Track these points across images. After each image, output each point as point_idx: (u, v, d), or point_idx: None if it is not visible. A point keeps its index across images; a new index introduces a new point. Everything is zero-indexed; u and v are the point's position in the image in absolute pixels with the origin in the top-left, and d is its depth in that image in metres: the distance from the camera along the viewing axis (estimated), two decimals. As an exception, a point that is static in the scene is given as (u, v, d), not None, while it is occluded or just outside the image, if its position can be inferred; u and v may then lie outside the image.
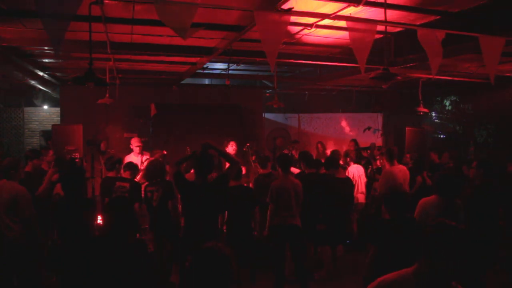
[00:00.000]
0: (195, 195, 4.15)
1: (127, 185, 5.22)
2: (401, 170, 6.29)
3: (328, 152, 8.05)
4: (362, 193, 6.75)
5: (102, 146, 7.43)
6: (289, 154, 6.90)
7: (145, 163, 6.82)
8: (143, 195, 5.34)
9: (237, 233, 5.33)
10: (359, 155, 7.82)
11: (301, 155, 6.13)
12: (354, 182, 6.50)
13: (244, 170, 6.46)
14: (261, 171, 6.01)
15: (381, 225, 3.83)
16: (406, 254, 3.29)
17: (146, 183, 5.42)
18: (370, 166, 7.34)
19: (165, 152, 6.70)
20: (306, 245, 5.51)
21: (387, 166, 6.41)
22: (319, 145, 9.33)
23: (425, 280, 1.93)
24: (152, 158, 6.67)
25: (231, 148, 6.89)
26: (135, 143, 7.07)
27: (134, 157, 6.91)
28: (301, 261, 5.04)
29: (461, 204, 4.11)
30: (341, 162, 6.75)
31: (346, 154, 7.08)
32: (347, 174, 6.63)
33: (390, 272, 2.08)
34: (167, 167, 5.76)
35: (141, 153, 7.01)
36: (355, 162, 7.18)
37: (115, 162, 5.49)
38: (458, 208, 4.05)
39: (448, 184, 4.03)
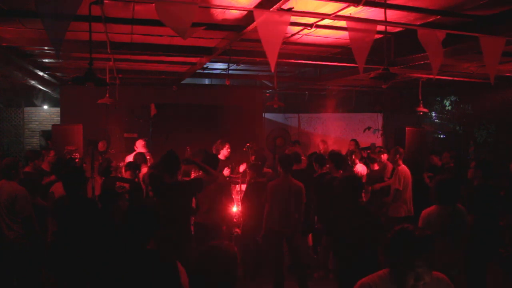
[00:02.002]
0: (164, 192, 4.25)
1: (127, 185, 5.21)
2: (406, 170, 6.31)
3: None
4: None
5: (100, 146, 7.41)
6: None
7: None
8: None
9: (252, 230, 5.31)
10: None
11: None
12: None
13: (243, 168, 6.50)
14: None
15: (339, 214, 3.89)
16: (362, 241, 3.60)
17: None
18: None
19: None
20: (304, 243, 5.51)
21: (390, 166, 6.41)
22: (320, 143, 9.27)
23: (401, 278, 1.98)
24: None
25: (226, 151, 6.84)
26: (141, 147, 7.03)
27: None
28: (298, 258, 5.01)
29: (465, 210, 3.87)
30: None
31: (352, 153, 7.07)
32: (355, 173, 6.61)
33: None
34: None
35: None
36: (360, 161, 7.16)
37: (107, 166, 5.47)
38: (462, 214, 3.80)
39: (446, 190, 3.76)
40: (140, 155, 6.40)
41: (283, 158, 5.15)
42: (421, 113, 7.81)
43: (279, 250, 4.97)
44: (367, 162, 7.35)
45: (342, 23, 4.51)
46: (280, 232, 4.88)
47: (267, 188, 4.96)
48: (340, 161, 5.73)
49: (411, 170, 6.43)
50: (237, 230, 6.07)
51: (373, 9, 4.17)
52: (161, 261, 2.38)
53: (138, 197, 5.27)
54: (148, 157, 6.94)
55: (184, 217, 4.33)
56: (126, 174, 5.48)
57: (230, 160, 6.74)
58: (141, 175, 5.83)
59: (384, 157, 7.23)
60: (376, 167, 6.97)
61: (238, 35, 4.88)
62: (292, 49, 6.11)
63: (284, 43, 5.31)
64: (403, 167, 6.29)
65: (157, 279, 2.29)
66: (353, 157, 6.96)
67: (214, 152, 6.67)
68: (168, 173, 4.28)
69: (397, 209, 6.17)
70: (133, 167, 5.56)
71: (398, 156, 6.35)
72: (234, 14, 4.46)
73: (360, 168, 6.73)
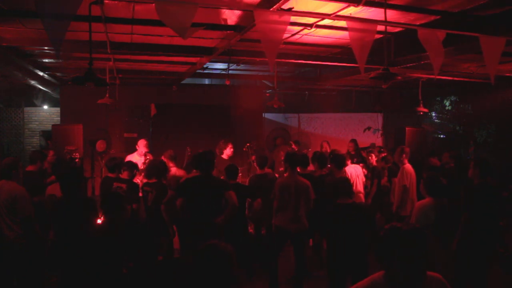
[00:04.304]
0: (197, 185, 4.47)
1: (124, 186, 5.20)
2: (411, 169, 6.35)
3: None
4: (359, 192, 6.72)
5: (98, 145, 7.39)
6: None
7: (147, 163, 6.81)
8: (140, 194, 5.36)
9: (232, 231, 5.32)
10: (359, 155, 7.81)
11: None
12: (352, 182, 6.47)
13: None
14: (258, 171, 5.99)
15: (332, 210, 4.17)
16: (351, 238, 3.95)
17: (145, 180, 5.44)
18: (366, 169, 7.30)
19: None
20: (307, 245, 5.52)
21: (400, 165, 6.49)
22: (324, 144, 9.25)
23: (396, 281, 1.95)
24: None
25: (229, 151, 6.81)
26: (142, 147, 6.97)
27: (137, 157, 6.84)
28: (302, 260, 5.00)
29: (447, 202, 4.26)
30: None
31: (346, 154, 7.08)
32: (344, 174, 6.60)
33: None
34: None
35: (145, 154, 6.96)
36: (355, 162, 7.16)
37: (117, 165, 5.44)
38: (447, 206, 4.21)
39: (438, 184, 4.21)
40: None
41: (290, 155, 5.20)
42: (421, 113, 7.82)
43: (279, 249, 4.97)
44: (364, 160, 7.36)
45: (342, 23, 4.51)
46: (286, 229, 4.89)
47: (275, 185, 5.01)
48: (342, 161, 5.77)
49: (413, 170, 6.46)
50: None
51: (373, 9, 4.17)
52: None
53: (135, 197, 5.26)
54: (149, 157, 6.93)
55: (216, 206, 4.46)
56: (123, 175, 5.45)
57: (232, 160, 6.74)
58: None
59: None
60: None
61: (238, 35, 4.88)
62: (292, 49, 6.10)
63: (284, 43, 5.31)
64: (408, 166, 6.33)
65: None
66: None
67: (217, 152, 6.68)
68: (200, 170, 4.56)
69: (403, 207, 6.16)
70: (131, 167, 5.53)
71: (404, 155, 6.39)
72: (234, 14, 4.46)
73: (352, 169, 6.73)
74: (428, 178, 4.43)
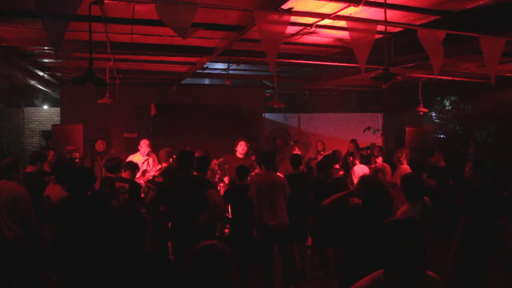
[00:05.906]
0: (177, 185, 4.50)
1: (126, 185, 5.19)
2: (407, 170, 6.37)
3: (329, 152, 8.01)
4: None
5: (97, 145, 7.38)
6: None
7: (150, 162, 6.81)
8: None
9: (239, 231, 5.32)
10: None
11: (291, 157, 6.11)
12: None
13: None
14: (257, 170, 5.98)
15: (352, 212, 3.84)
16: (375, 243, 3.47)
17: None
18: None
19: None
20: (296, 248, 5.48)
21: (398, 165, 6.55)
22: (319, 144, 9.28)
23: (395, 280, 1.95)
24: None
25: (240, 148, 6.81)
26: (145, 147, 6.94)
27: (139, 157, 6.81)
28: (289, 266, 4.99)
29: (429, 202, 4.10)
30: (337, 166, 6.64)
31: (349, 154, 7.07)
32: (352, 174, 6.59)
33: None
34: None
35: (148, 154, 6.95)
36: (361, 162, 7.15)
37: (116, 165, 5.43)
38: (429, 207, 4.05)
39: (415, 187, 4.00)
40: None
41: (265, 155, 5.31)
42: (421, 113, 7.82)
43: (268, 248, 4.96)
44: (368, 160, 7.35)
45: (342, 23, 4.51)
46: (267, 225, 4.90)
47: (251, 184, 5.04)
48: (321, 165, 5.81)
49: (411, 170, 6.45)
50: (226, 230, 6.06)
51: (373, 9, 4.18)
52: (156, 263, 2.41)
53: (138, 197, 5.26)
54: (152, 158, 6.91)
55: (197, 210, 4.39)
56: (125, 174, 5.45)
57: (249, 159, 6.69)
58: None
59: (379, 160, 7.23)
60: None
61: (238, 35, 4.88)
62: (292, 49, 6.11)
63: (284, 43, 5.31)
64: (405, 167, 6.35)
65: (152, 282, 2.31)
66: (351, 158, 6.96)
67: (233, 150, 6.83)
68: (181, 169, 4.56)
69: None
70: (132, 167, 5.53)
71: (404, 155, 6.43)
72: (234, 14, 4.46)
73: (359, 169, 6.72)
74: (402, 183, 4.18)
